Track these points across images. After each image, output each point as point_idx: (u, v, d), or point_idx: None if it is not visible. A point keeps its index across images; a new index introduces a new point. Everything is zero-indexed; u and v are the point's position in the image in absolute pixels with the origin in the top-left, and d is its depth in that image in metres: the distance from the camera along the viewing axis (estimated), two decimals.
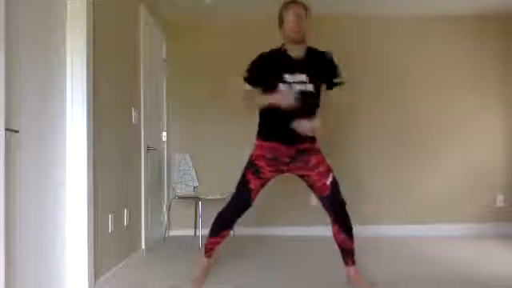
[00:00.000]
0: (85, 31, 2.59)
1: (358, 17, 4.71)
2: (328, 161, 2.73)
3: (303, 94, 2.59)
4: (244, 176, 2.69)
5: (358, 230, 2.69)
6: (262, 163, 2.65)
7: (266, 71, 2.66)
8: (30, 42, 2.18)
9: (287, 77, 2.60)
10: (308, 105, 2.61)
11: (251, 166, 2.68)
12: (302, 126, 2.54)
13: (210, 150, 4.75)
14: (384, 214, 4.68)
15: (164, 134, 4.67)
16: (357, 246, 2.74)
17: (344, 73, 2.77)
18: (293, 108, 2.51)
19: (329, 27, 4.68)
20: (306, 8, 2.66)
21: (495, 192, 4.76)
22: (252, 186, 2.65)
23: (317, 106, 2.69)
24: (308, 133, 2.57)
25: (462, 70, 4.81)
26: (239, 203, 2.69)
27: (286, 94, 2.54)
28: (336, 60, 2.76)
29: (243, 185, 2.68)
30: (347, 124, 4.75)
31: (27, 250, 2.13)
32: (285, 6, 2.66)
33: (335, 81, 2.74)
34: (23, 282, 2.08)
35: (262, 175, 2.66)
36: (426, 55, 4.80)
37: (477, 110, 4.79)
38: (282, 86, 2.60)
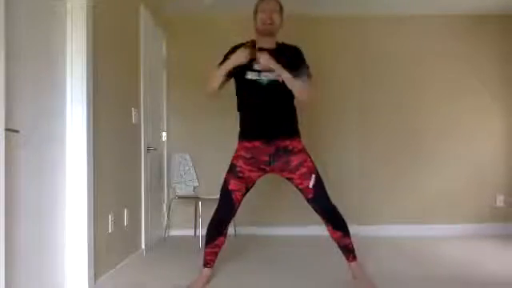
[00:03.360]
0: (85, 31, 2.59)
1: (358, 17, 4.71)
2: (319, 160, 2.71)
3: (272, 84, 2.61)
4: (224, 178, 2.72)
5: (357, 230, 2.70)
6: (239, 163, 2.67)
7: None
8: (30, 42, 2.18)
9: (256, 66, 2.63)
10: (279, 94, 2.63)
11: (230, 167, 2.71)
12: (263, 56, 2.56)
13: (209, 150, 4.74)
14: (384, 213, 4.68)
15: (164, 134, 4.67)
16: (357, 246, 2.75)
17: (311, 69, 2.73)
18: (264, 102, 2.58)
19: (329, 27, 4.69)
20: (280, 5, 2.73)
21: (495, 192, 4.75)
22: (232, 186, 2.67)
23: (288, 97, 2.67)
24: (266, 61, 2.55)
25: (462, 70, 4.80)
26: (223, 208, 2.70)
27: (241, 52, 2.58)
28: (304, 55, 2.74)
29: (224, 187, 2.71)
30: (347, 124, 4.75)
31: (28, 249, 2.13)
32: (259, 2, 2.73)
33: (299, 68, 2.67)
34: (24, 282, 2.08)
35: (240, 174, 2.66)
36: (426, 55, 4.80)
37: (477, 109, 4.79)
38: (250, 74, 2.64)
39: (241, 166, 2.66)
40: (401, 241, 4.26)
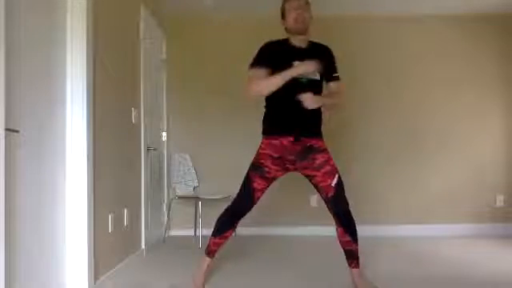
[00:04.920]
0: (85, 31, 2.59)
1: (358, 17, 4.71)
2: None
3: (311, 82, 2.60)
4: (248, 175, 2.66)
5: (357, 229, 2.69)
6: (267, 162, 2.62)
7: (274, 57, 2.61)
8: (30, 41, 2.18)
9: (297, 63, 2.57)
10: (314, 93, 2.60)
11: (256, 165, 2.64)
12: (308, 98, 2.51)
13: (209, 150, 4.75)
14: (384, 213, 4.68)
15: (164, 134, 4.67)
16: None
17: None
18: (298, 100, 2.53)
19: (329, 28, 4.68)
20: (307, 1, 2.69)
21: (495, 192, 4.76)
22: (255, 185, 2.63)
23: (317, 95, 2.66)
24: (312, 105, 2.53)
25: (462, 70, 4.81)
26: (242, 203, 2.67)
27: (307, 63, 2.51)
28: (335, 55, 2.76)
29: (247, 184, 2.66)
30: (347, 124, 4.75)
31: (27, 250, 2.13)
32: (287, 1, 2.68)
33: (334, 75, 2.75)
34: (24, 282, 2.08)
35: (267, 175, 2.62)
36: (426, 55, 4.81)
37: (477, 109, 4.80)
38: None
39: (268, 167, 2.61)
40: (401, 241, 4.26)
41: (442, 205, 4.71)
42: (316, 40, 2.77)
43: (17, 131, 2.00)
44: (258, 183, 2.63)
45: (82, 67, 2.59)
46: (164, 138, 4.66)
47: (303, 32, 2.66)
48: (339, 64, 2.81)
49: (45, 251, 2.31)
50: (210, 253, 2.75)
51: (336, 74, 2.76)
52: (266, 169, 2.62)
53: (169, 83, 4.76)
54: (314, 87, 2.62)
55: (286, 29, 2.70)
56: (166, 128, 4.70)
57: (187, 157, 4.73)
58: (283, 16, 2.70)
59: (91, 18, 2.66)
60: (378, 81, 4.78)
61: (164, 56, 4.70)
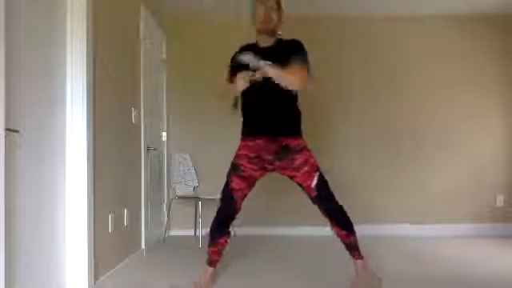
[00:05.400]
0: (85, 31, 2.59)
1: (358, 17, 4.71)
2: (320, 160, 2.70)
3: (266, 79, 2.52)
4: (227, 176, 2.71)
5: (357, 229, 2.69)
6: (243, 161, 2.65)
7: (239, 65, 2.62)
8: (30, 41, 2.18)
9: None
10: (278, 92, 2.57)
11: (234, 165, 2.69)
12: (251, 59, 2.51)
13: (209, 150, 4.74)
14: (384, 213, 4.68)
15: (164, 134, 4.67)
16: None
17: (311, 61, 2.66)
18: (265, 99, 2.59)
19: (329, 28, 4.69)
20: (277, 1, 2.68)
21: (495, 192, 4.76)
22: (233, 185, 2.65)
23: (286, 93, 2.61)
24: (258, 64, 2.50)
25: (462, 70, 4.81)
26: (225, 207, 2.69)
27: (240, 77, 2.54)
28: (304, 45, 2.67)
29: (226, 185, 2.69)
30: (347, 124, 4.75)
31: (27, 249, 2.13)
32: (258, 1, 2.67)
33: (293, 56, 2.59)
34: (24, 282, 2.08)
35: (243, 173, 2.65)
36: (426, 55, 4.80)
37: (477, 109, 4.80)
38: (244, 72, 2.55)
39: (244, 165, 2.65)
40: (400, 241, 4.26)
41: (442, 205, 4.71)
42: (287, 37, 2.72)
43: (17, 131, 2.00)
44: (235, 183, 2.65)
45: (82, 67, 2.59)
46: (164, 138, 4.66)
47: (269, 32, 2.67)
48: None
49: (45, 251, 2.31)
50: (211, 262, 2.75)
51: (296, 56, 2.60)
52: (242, 167, 2.65)
53: (169, 83, 4.76)
54: (274, 85, 2.54)
55: (255, 29, 2.71)
56: (166, 128, 4.70)
57: (187, 157, 4.73)
58: (252, 16, 2.71)
59: (91, 18, 2.66)
60: (378, 81, 4.78)
61: (164, 56, 4.70)
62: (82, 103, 2.58)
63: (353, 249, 2.66)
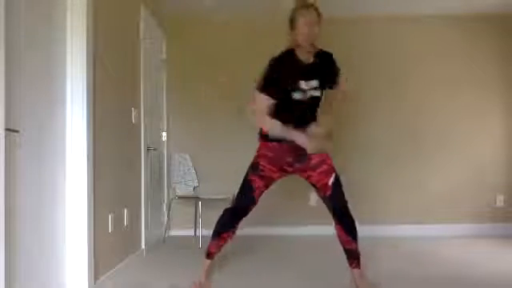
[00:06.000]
0: (85, 31, 2.59)
1: (358, 17, 4.71)
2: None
3: (312, 99, 2.62)
4: (246, 175, 2.70)
5: (357, 229, 2.68)
6: (262, 161, 2.65)
7: (281, 76, 2.59)
8: (30, 41, 2.18)
9: (303, 84, 2.58)
10: (312, 108, 2.66)
11: (253, 166, 2.69)
12: (302, 140, 2.54)
13: (209, 150, 4.75)
14: (384, 213, 4.68)
15: (164, 134, 4.67)
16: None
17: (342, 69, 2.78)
18: (300, 113, 2.60)
19: (329, 28, 4.67)
20: (318, 14, 2.60)
21: (495, 192, 4.75)
22: (254, 184, 2.65)
23: (318, 104, 2.70)
24: (312, 151, 2.54)
25: (462, 70, 4.81)
26: (242, 203, 2.69)
27: (305, 138, 2.53)
28: (336, 62, 2.76)
29: (246, 184, 2.68)
30: (346, 123, 4.75)
31: (28, 249, 2.13)
32: (299, 12, 2.57)
33: (335, 83, 2.75)
34: (24, 282, 2.08)
35: (262, 173, 2.65)
36: (426, 55, 4.80)
37: (477, 110, 4.80)
38: (296, 94, 2.58)
39: (263, 165, 2.65)
40: (400, 241, 4.26)
41: (442, 205, 4.71)
42: (320, 47, 2.72)
43: (17, 131, 2.00)
44: (256, 183, 2.66)
45: (82, 67, 2.59)
46: (164, 138, 4.66)
47: (309, 45, 2.63)
48: (343, 63, 2.80)
49: (45, 251, 2.31)
50: (209, 254, 2.76)
51: (336, 78, 2.75)
52: (261, 167, 2.65)
53: (169, 83, 4.76)
54: (314, 101, 2.65)
55: (293, 41, 2.63)
56: (166, 128, 4.70)
57: (187, 157, 4.73)
58: (292, 26, 2.60)
59: (91, 18, 2.66)
60: (378, 81, 4.78)
61: (164, 56, 4.70)
62: (82, 103, 2.58)
63: (353, 256, 2.64)
